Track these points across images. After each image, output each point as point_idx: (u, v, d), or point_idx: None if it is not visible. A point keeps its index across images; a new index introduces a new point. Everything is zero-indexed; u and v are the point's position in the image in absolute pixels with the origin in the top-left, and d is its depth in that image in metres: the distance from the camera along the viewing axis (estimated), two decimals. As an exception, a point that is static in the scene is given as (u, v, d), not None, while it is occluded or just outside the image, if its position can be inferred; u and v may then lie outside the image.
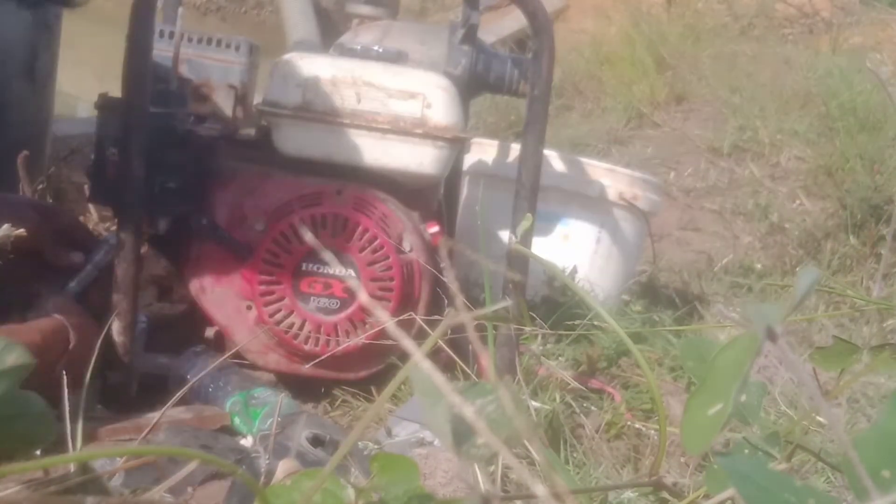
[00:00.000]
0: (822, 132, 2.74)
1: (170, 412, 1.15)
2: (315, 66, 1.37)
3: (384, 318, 0.42)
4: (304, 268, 1.35)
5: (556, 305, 1.52)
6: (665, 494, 0.98)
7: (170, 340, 1.41)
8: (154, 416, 1.06)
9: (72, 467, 0.58)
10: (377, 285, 1.35)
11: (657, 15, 4.06)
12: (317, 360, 1.35)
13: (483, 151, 1.80)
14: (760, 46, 3.76)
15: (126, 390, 1.28)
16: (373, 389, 1.39)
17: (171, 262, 1.52)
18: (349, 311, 1.36)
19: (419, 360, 0.40)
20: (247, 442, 1.21)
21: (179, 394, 0.98)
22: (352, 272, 1.35)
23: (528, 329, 1.28)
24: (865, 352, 0.77)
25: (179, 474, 0.69)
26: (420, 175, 1.39)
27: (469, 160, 1.76)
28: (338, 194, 1.37)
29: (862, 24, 3.93)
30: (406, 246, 1.38)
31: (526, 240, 1.29)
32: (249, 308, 1.37)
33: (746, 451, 0.69)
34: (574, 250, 1.74)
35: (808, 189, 2.63)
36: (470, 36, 1.49)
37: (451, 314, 0.43)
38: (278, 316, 1.36)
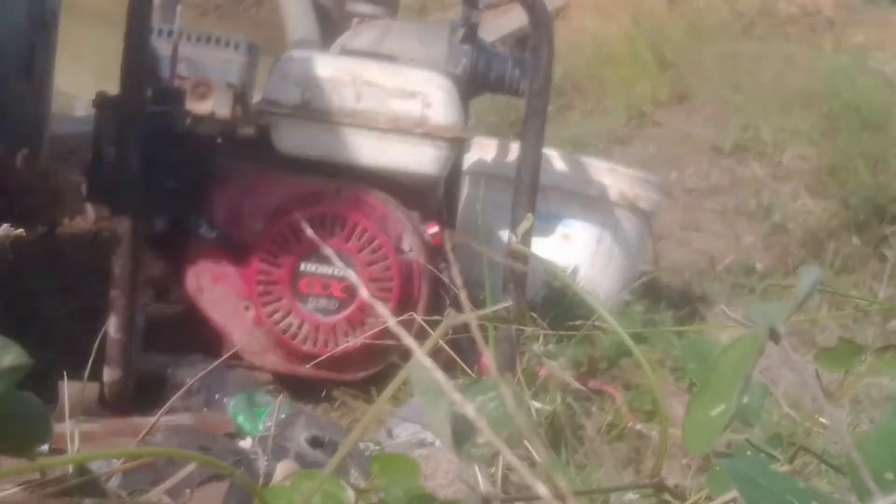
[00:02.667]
0: (825, 131, 2.73)
1: (172, 418, 1.14)
2: (314, 64, 1.36)
3: (386, 314, 0.41)
4: (302, 268, 1.34)
5: (557, 306, 1.51)
6: (667, 496, 0.97)
7: (168, 340, 1.41)
8: (152, 418, 1.06)
9: (70, 469, 0.57)
10: (376, 286, 1.35)
11: (658, 13, 4.05)
12: (315, 361, 1.34)
13: (483, 150, 1.79)
14: (763, 45, 3.75)
15: (124, 389, 1.28)
16: (372, 390, 1.38)
17: (168, 261, 1.52)
18: (348, 311, 1.35)
19: (420, 358, 0.39)
20: (245, 443, 1.21)
21: (178, 393, 0.98)
22: (350, 272, 1.34)
23: (528, 329, 1.27)
24: (869, 353, 0.76)
25: (177, 476, 0.68)
26: (420, 175, 1.39)
27: (469, 159, 1.75)
28: (337, 193, 1.36)
29: (865, 22, 3.92)
30: (405, 246, 1.37)
31: (526, 240, 1.28)
32: (247, 308, 1.36)
33: (749, 452, 0.69)
34: (575, 250, 1.74)
35: (811, 188, 2.63)
36: (470, 35, 1.48)
37: (453, 313, 0.43)
38: (276, 316, 1.35)
